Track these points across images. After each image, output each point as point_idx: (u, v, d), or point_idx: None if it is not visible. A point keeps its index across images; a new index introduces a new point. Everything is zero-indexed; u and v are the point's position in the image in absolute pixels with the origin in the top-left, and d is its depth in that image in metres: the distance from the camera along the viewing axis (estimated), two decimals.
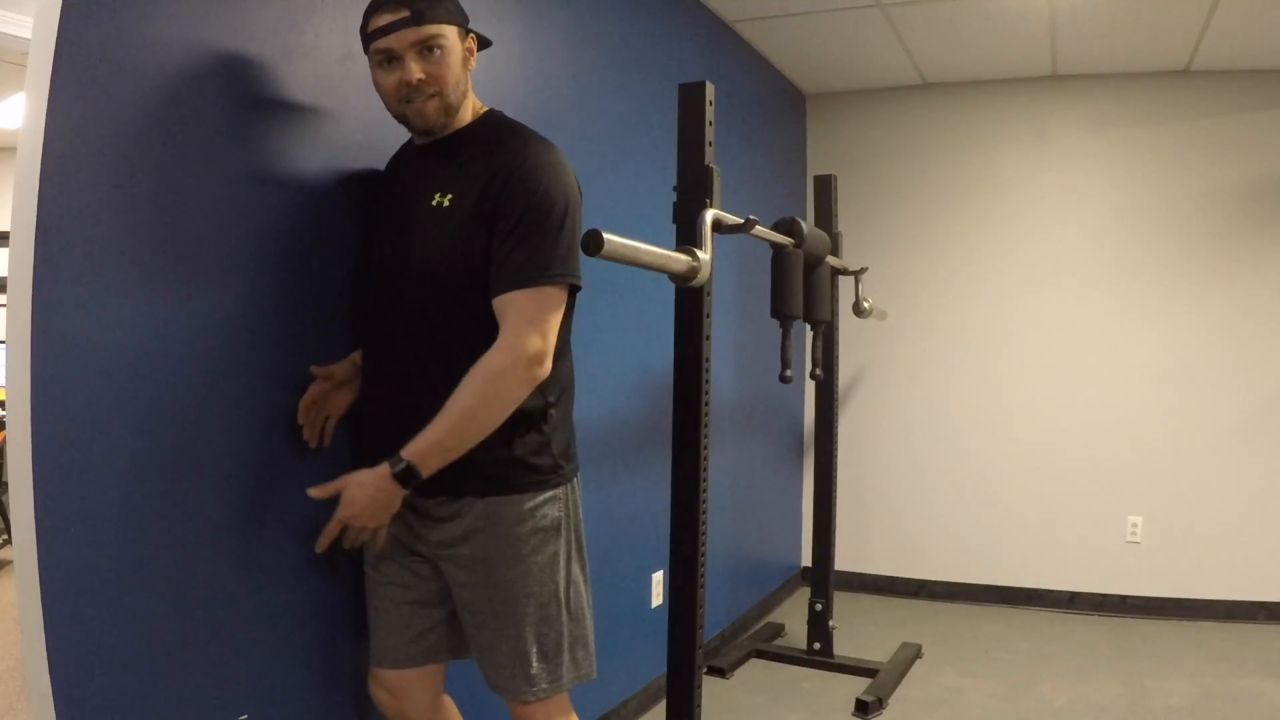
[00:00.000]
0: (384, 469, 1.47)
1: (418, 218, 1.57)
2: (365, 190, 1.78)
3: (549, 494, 1.57)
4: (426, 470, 1.47)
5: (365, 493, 1.49)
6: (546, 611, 1.57)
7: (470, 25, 1.60)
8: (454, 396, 1.46)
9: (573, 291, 1.56)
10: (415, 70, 1.50)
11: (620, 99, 2.80)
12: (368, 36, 1.52)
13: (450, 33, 1.52)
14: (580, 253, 1.54)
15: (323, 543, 1.55)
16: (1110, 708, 3.00)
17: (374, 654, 1.68)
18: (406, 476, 1.47)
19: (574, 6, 2.56)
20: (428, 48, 1.50)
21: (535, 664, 1.56)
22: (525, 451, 1.55)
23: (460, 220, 1.52)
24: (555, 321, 1.50)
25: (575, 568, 1.62)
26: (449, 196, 1.54)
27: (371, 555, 1.67)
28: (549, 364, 1.49)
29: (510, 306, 1.47)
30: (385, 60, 1.52)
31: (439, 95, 1.53)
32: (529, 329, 1.46)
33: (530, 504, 1.55)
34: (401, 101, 1.53)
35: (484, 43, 1.67)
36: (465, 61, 1.56)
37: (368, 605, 1.69)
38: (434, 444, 1.46)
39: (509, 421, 1.51)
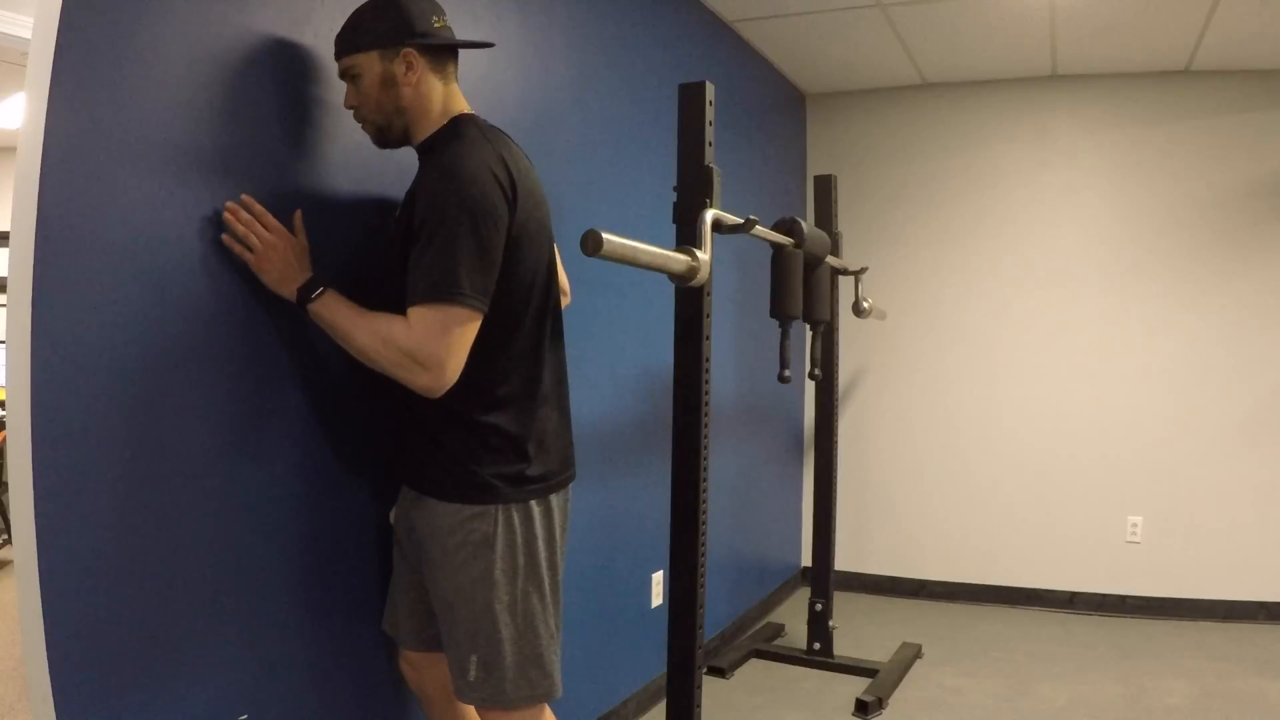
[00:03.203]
0: (304, 278, 1.54)
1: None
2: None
3: (477, 509, 1.57)
4: (314, 311, 1.53)
5: (282, 260, 1.54)
6: (479, 625, 1.57)
7: (412, 40, 1.54)
8: (371, 321, 1.50)
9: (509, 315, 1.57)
10: (346, 98, 1.62)
11: (620, 99, 2.80)
12: None
13: (364, 61, 1.56)
14: (491, 268, 1.50)
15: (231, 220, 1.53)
16: (1110, 708, 3.00)
17: (398, 633, 1.76)
18: (306, 290, 1.53)
19: (574, 6, 2.56)
20: (351, 77, 1.60)
21: (474, 671, 1.58)
22: (452, 463, 1.58)
23: (400, 229, 1.59)
24: (460, 338, 1.47)
25: (527, 587, 1.60)
26: (400, 208, 1.64)
27: (395, 541, 1.75)
28: (444, 378, 1.47)
29: (416, 320, 1.46)
30: None
31: (369, 121, 1.63)
32: (437, 336, 1.45)
33: (460, 515, 1.57)
34: None
35: (481, 43, 1.71)
36: (392, 82, 1.56)
37: (390, 590, 1.78)
38: (335, 314, 1.53)
39: (445, 428, 1.58)
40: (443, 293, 1.44)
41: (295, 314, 1.64)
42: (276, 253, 1.53)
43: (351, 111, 1.63)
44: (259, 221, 1.54)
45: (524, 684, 1.60)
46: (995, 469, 4.23)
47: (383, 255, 1.70)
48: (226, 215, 1.51)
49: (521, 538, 1.59)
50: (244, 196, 1.53)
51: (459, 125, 1.61)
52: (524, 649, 1.60)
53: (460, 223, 1.45)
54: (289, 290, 1.54)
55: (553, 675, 1.64)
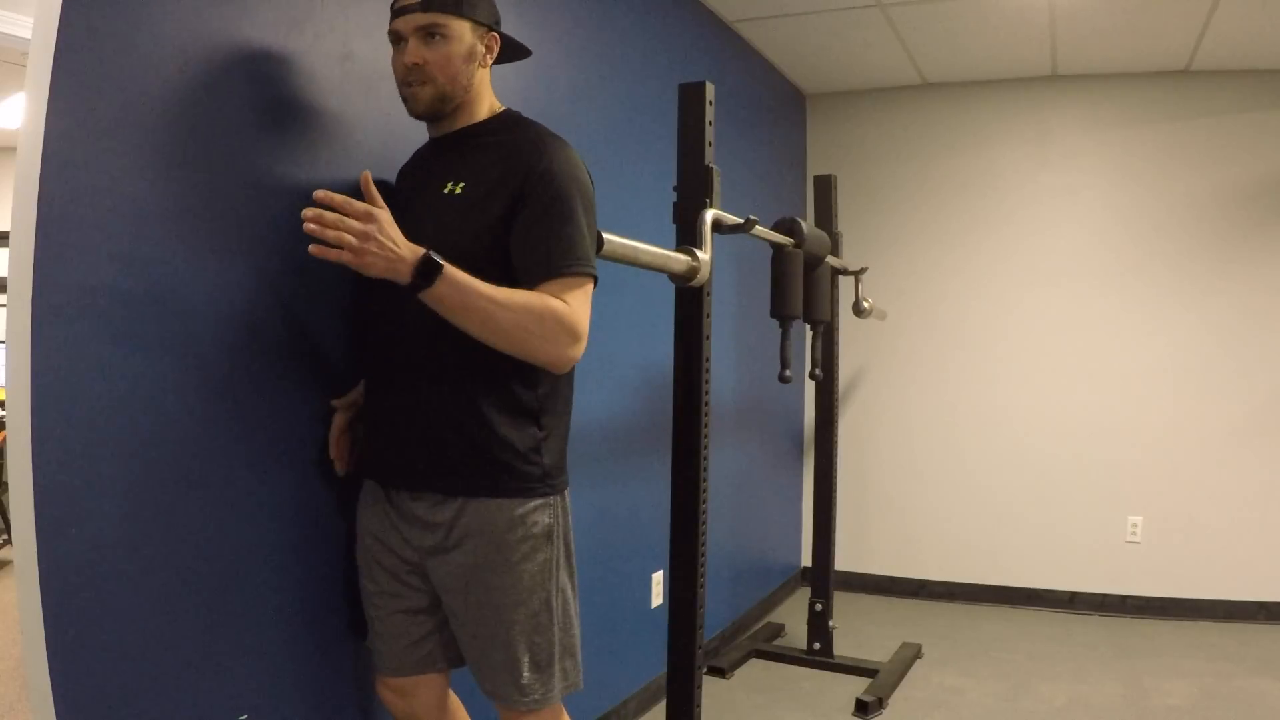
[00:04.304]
0: (418, 250, 1.38)
1: (429, 205, 1.57)
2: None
3: (539, 501, 1.55)
4: (439, 291, 1.38)
5: (381, 245, 1.36)
6: (537, 620, 1.55)
7: (498, 27, 1.61)
8: (513, 295, 1.43)
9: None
10: (413, 53, 1.54)
11: (620, 99, 2.80)
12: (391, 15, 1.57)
13: (456, 25, 1.53)
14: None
15: (319, 196, 1.36)
16: (1110, 708, 3.00)
17: (375, 660, 1.68)
18: (426, 270, 1.36)
19: (574, 6, 2.56)
20: (429, 34, 1.53)
21: (527, 673, 1.55)
22: (514, 455, 1.53)
23: (472, 204, 1.53)
24: (589, 309, 1.53)
25: (564, 577, 1.60)
26: (460, 184, 1.55)
27: (363, 564, 1.66)
28: (581, 349, 1.51)
29: (564, 291, 1.49)
30: (395, 40, 1.57)
31: (433, 83, 1.55)
32: (586, 306, 1.51)
33: (521, 510, 1.54)
34: (402, 84, 1.58)
35: (522, 51, 1.70)
36: (474, 57, 1.57)
37: (364, 613, 1.69)
38: (467, 291, 1.40)
39: (502, 418, 1.51)
40: (585, 264, 1.50)
41: (302, 314, 1.64)
42: (374, 241, 1.35)
43: (409, 69, 1.53)
44: (344, 213, 1.34)
45: (561, 676, 1.60)
46: (995, 469, 4.23)
47: (409, 237, 1.64)
48: (310, 226, 1.32)
49: (563, 526, 1.61)
50: (319, 193, 1.34)
51: (521, 116, 1.65)
52: (564, 641, 1.60)
53: (579, 201, 1.52)
54: (402, 274, 1.37)
55: (580, 665, 1.63)
